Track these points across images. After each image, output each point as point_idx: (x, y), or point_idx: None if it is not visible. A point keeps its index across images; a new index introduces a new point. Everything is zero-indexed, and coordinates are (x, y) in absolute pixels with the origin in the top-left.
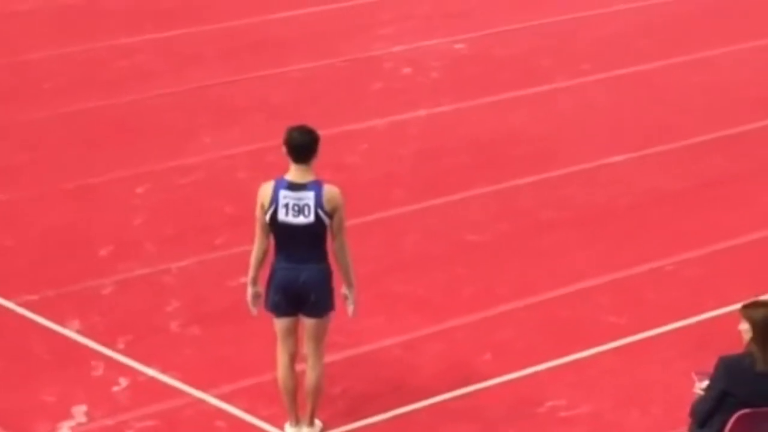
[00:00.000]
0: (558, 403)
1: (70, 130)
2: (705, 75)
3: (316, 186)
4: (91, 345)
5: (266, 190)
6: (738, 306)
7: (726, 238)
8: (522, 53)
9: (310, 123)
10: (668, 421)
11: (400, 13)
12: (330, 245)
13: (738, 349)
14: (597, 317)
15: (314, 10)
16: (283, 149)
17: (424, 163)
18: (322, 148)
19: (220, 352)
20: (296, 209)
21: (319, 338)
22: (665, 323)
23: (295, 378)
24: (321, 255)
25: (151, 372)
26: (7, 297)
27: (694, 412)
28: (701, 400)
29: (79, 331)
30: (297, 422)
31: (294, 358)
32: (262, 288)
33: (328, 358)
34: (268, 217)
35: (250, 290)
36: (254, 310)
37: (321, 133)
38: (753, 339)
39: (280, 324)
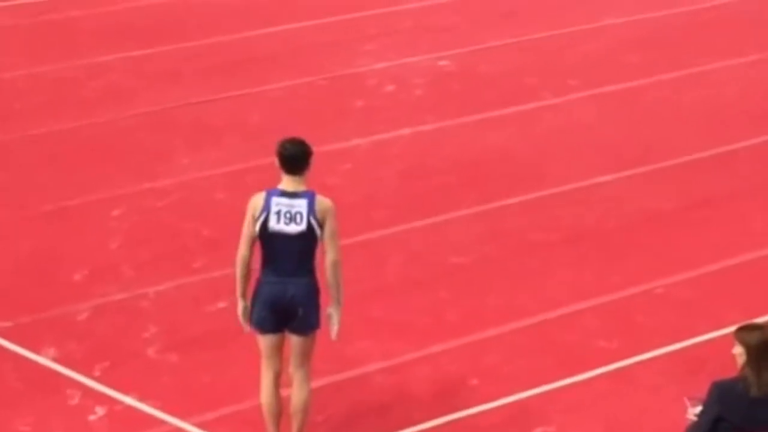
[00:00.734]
0: (547, 429)
1: (43, 151)
2: (696, 91)
3: (309, 194)
4: (67, 373)
5: (257, 199)
6: (731, 329)
7: (718, 259)
8: (508, 70)
9: None
10: None
11: (383, 28)
12: (321, 260)
13: (732, 373)
14: (586, 341)
15: (294, 26)
16: (276, 162)
17: (408, 183)
18: None
19: (200, 379)
20: (288, 216)
21: (306, 356)
22: (657, 347)
23: (280, 400)
24: (309, 269)
25: (128, 400)
26: None
27: None
28: (694, 425)
29: (54, 359)
30: None
31: (279, 378)
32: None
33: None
34: (259, 225)
35: (240, 305)
36: (247, 327)
37: None
38: (747, 363)
39: (265, 341)
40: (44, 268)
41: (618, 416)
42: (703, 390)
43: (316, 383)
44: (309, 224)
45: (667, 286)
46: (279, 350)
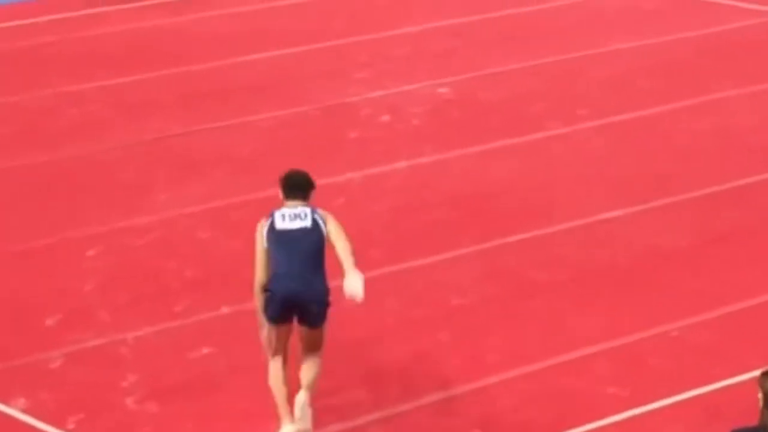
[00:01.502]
0: None
1: (14, 186)
2: (712, 120)
3: (311, 206)
4: (39, 425)
5: (263, 220)
6: (752, 374)
7: (737, 299)
8: (512, 97)
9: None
10: None
11: (378, 54)
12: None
13: (751, 421)
14: (596, 388)
15: (284, 52)
16: (280, 193)
17: (404, 219)
18: None
19: (182, 430)
20: (293, 216)
21: (317, 343)
22: (671, 394)
23: (289, 383)
24: (320, 268)
25: None
26: None
27: None
28: None
29: (24, 410)
30: (292, 419)
31: (287, 362)
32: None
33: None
34: (266, 230)
35: (260, 298)
36: (265, 322)
37: None
38: (766, 409)
39: (277, 331)
40: (14, 312)
41: None
42: None
43: None
44: (314, 220)
45: (682, 328)
46: (289, 336)
